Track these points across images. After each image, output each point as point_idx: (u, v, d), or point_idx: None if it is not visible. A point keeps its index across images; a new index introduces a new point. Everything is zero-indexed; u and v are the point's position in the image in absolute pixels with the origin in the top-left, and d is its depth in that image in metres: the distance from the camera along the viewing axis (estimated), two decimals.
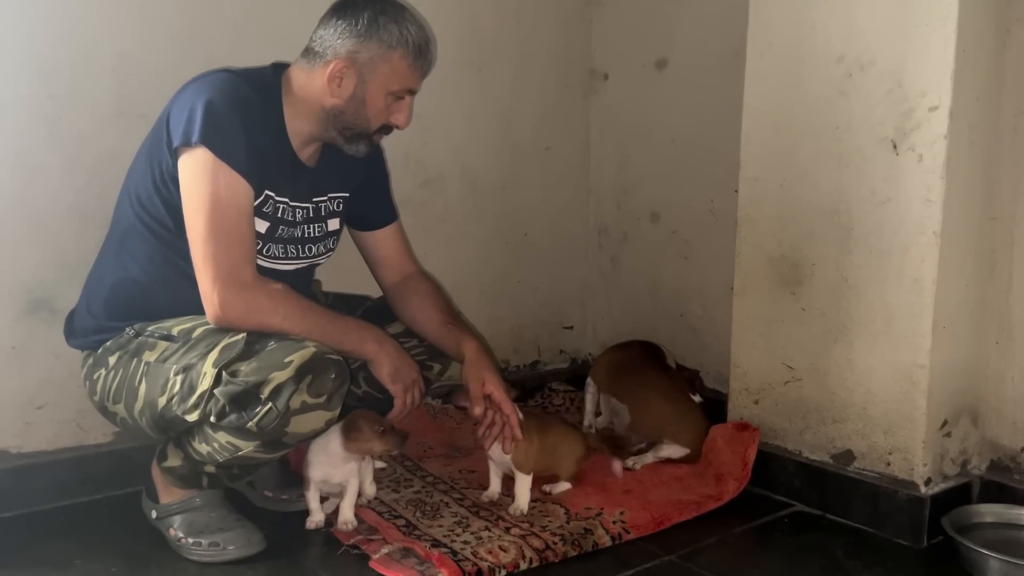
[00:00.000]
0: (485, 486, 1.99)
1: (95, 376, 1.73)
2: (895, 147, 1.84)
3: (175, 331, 1.65)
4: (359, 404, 1.89)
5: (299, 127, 1.74)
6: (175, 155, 1.61)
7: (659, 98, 2.69)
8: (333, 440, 1.77)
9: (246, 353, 1.55)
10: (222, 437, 1.59)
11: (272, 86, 1.72)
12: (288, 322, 1.61)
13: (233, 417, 1.54)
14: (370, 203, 1.97)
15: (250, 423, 1.54)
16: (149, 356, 1.64)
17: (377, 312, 1.98)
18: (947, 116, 1.75)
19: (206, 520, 1.74)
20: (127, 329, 1.70)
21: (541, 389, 2.81)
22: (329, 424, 1.63)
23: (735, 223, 2.17)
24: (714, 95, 2.47)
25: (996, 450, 1.97)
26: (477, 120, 2.67)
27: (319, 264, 1.93)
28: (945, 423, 1.89)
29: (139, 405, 1.65)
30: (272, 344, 1.57)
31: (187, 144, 1.58)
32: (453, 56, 2.58)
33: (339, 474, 1.81)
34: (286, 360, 1.53)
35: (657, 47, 2.68)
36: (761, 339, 2.13)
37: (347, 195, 1.91)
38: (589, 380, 2.44)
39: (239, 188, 1.60)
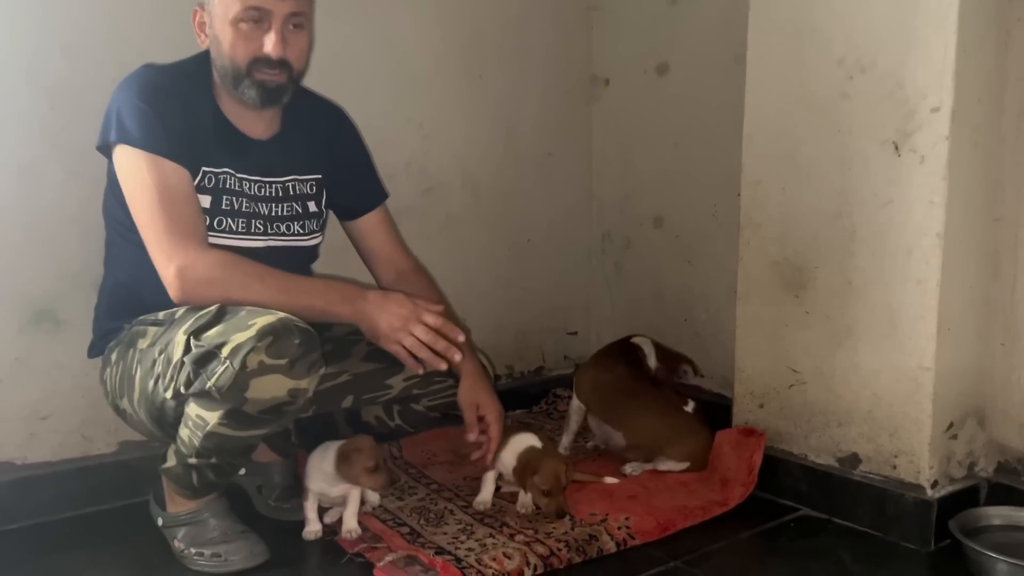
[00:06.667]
0: None
1: (105, 377, 1.78)
2: (897, 149, 1.83)
3: (161, 315, 1.69)
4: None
5: (228, 97, 1.78)
6: (109, 159, 1.70)
7: (661, 103, 2.69)
8: (329, 459, 1.77)
9: (215, 320, 1.55)
10: (192, 411, 1.58)
11: (200, 68, 1.77)
12: (245, 290, 1.60)
13: (197, 382, 1.53)
14: (349, 188, 1.97)
15: (209, 383, 1.50)
16: (142, 343, 1.69)
17: None
18: (949, 117, 1.75)
19: (210, 533, 1.73)
20: (124, 325, 1.76)
21: (545, 395, 2.81)
22: (294, 395, 1.54)
23: (738, 227, 2.17)
24: (715, 99, 2.47)
25: (1003, 452, 1.96)
26: (479, 127, 2.68)
27: (302, 246, 1.89)
28: (951, 425, 1.88)
29: (137, 395, 1.67)
30: (243, 312, 1.56)
31: (111, 145, 1.67)
32: (454, 63, 2.59)
33: (335, 490, 1.81)
34: (250, 323, 1.51)
35: (658, 52, 2.68)
36: (765, 343, 2.13)
37: (319, 177, 1.90)
38: (577, 402, 2.29)
39: (166, 170, 1.64)
